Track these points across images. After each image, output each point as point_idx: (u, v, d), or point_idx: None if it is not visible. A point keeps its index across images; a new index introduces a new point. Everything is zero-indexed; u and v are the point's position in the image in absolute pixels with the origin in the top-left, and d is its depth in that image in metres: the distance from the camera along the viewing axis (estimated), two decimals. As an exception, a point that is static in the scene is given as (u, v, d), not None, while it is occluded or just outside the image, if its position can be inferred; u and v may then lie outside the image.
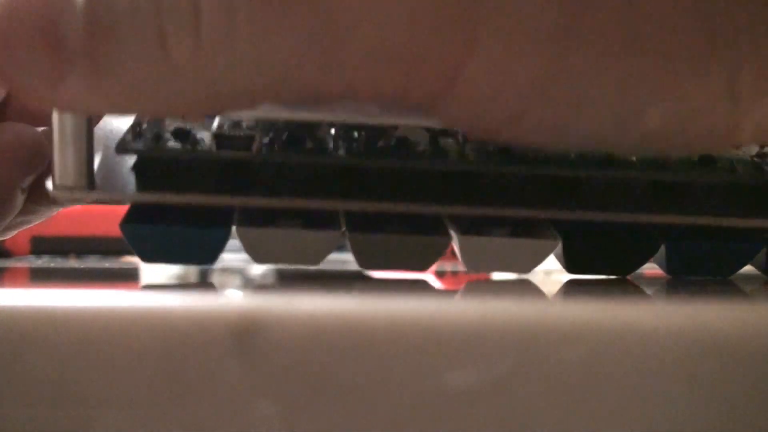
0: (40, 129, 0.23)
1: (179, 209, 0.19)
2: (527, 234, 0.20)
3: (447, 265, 0.26)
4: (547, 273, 0.22)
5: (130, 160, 0.19)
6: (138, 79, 0.14)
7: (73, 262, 0.34)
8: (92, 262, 0.33)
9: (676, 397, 0.13)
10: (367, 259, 0.20)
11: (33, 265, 0.32)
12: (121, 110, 0.15)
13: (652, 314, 0.13)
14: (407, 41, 0.13)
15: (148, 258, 0.19)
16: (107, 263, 0.31)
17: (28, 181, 0.22)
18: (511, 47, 0.13)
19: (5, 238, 0.25)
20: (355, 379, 0.12)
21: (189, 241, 0.19)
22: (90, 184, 0.17)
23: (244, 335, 0.12)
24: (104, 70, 0.14)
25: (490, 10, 0.13)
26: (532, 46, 0.14)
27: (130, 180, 0.19)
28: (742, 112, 0.15)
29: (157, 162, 0.19)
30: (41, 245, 0.39)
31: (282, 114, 0.17)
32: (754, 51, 0.14)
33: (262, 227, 0.19)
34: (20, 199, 0.22)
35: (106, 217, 0.39)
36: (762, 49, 0.14)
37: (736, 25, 0.14)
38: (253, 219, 0.19)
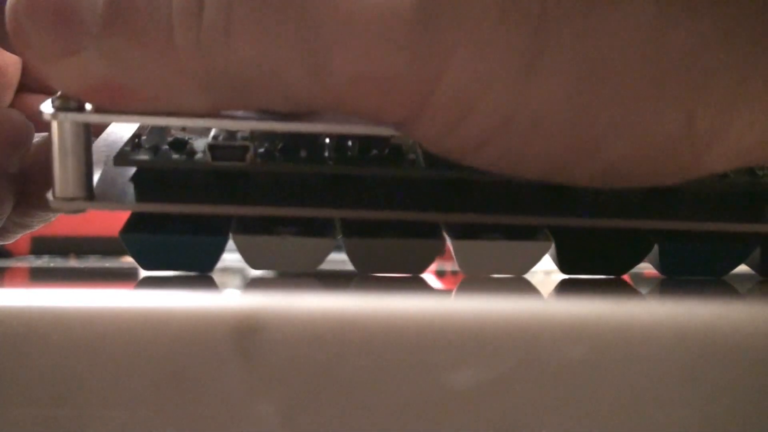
0: (40, 135, 0.23)
1: (177, 218, 0.19)
2: (521, 236, 0.20)
3: (447, 265, 0.26)
4: (547, 273, 0.22)
5: (130, 171, 0.20)
6: (143, 64, 0.15)
7: (73, 262, 0.34)
8: (92, 262, 0.33)
9: (670, 395, 0.13)
10: (364, 263, 0.20)
11: (33, 265, 0.32)
12: (122, 96, 0.16)
13: (645, 314, 0.13)
14: (383, 66, 0.14)
15: (147, 266, 0.20)
16: (107, 263, 0.32)
17: (14, 165, 0.22)
18: (477, 79, 0.14)
19: (6, 243, 0.25)
20: (355, 378, 0.12)
21: (187, 249, 0.19)
22: (89, 194, 0.18)
23: (244, 335, 0.12)
24: (115, 51, 0.15)
25: (459, 42, 0.14)
26: (497, 78, 0.14)
27: (129, 190, 0.19)
28: (703, 147, 0.15)
29: (154, 173, 0.19)
30: (41, 245, 0.39)
31: (272, 125, 0.17)
32: (710, 91, 0.15)
33: (259, 235, 0.19)
34: (8, 185, 0.22)
35: (106, 217, 0.39)
36: (719, 88, 0.15)
37: (691, 68, 0.15)
38: (249, 226, 0.19)
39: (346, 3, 0.14)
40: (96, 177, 0.19)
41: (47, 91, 0.24)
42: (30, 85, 0.25)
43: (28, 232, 0.25)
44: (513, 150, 0.15)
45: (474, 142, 0.15)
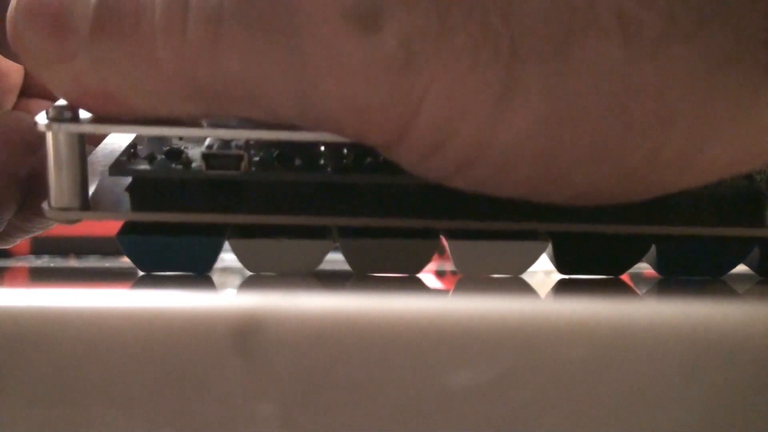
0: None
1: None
2: (517, 236, 0.20)
3: (447, 265, 0.26)
4: (547, 273, 0.22)
5: (127, 180, 0.20)
6: (130, 72, 0.16)
7: (73, 262, 0.34)
8: (92, 262, 0.33)
9: (667, 395, 0.13)
10: (360, 264, 0.20)
11: (33, 265, 0.32)
12: (113, 103, 0.16)
13: (643, 314, 0.13)
14: (366, 98, 0.15)
15: (145, 267, 0.20)
16: (107, 263, 0.32)
17: (25, 170, 0.22)
18: (452, 113, 0.15)
19: (6, 247, 0.25)
20: (356, 378, 0.13)
21: (184, 250, 0.19)
22: (84, 204, 0.18)
23: (244, 335, 0.12)
24: (103, 58, 0.16)
25: (435, 79, 0.15)
26: (470, 113, 0.15)
27: (125, 200, 0.19)
28: (671, 173, 0.16)
29: (150, 182, 0.20)
30: (41, 245, 0.39)
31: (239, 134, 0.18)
32: (676, 124, 0.15)
33: (254, 238, 0.19)
34: (17, 188, 0.22)
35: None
36: (685, 122, 0.16)
37: (657, 104, 0.15)
38: (245, 230, 0.19)
39: (333, 39, 0.15)
40: (93, 187, 0.19)
41: (49, 96, 0.24)
42: (32, 90, 0.25)
43: (28, 236, 0.25)
44: (488, 176, 0.16)
45: (451, 169, 0.16)
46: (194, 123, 0.17)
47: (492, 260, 0.20)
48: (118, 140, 0.21)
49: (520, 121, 0.15)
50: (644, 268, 0.22)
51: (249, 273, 0.20)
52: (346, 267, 0.20)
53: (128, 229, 0.20)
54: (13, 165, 0.22)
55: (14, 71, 0.24)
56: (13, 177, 0.22)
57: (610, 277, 0.21)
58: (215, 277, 0.19)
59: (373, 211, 0.19)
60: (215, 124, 0.17)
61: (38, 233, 0.25)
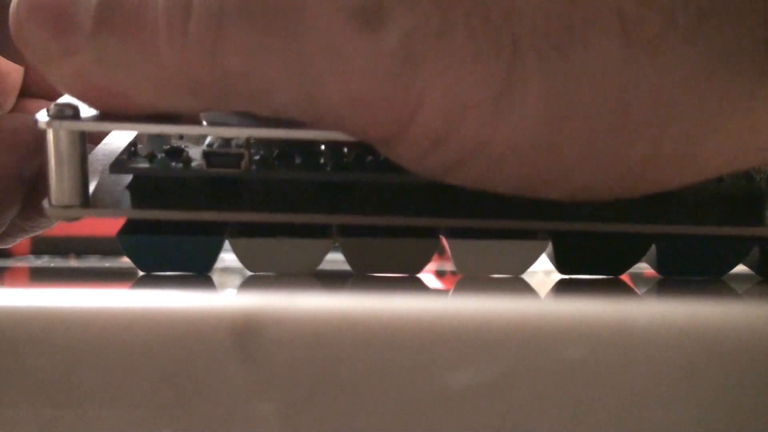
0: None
1: (174, 220, 0.19)
2: (517, 236, 0.20)
3: (447, 265, 0.26)
4: (547, 273, 0.22)
5: (127, 179, 0.20)
6: (132, 67, 0.16)
7: (73, 262, 0.34)
8: (92, 262, 0.33)
9: (667, 395, 0.13)
10: (360, 263, 0.20)
11: (33, 265, 0.32)
12: (115, 98, 0.17)
13: (643, 314, 0.13)
14: (368, 94, 0.15)
15: (145, 267, 0.20)
16: (107, 263, 0.32)
17: (29, 171, 0.22)
18: (453, 108, 0.15)
19: (7, 247, 0.25)
20: (356, 378, 0.13)
21: (184, 250, 0.19)
22: (85, 202, 0.18)
23: (244, 335, 0.12)
24: (105, 53, 0.16)
25: (437, 75, 0.15)
26: (470, 109, 0.15)
27: (126, 198, 0.19)
28: (671, 170, 0.16)
29: (150, 180, 0.20)
30: (41, 245, 0.39)
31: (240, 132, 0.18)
32: (675, 123, 0.16)
33: (254, 237, 0.19)
34: (21, 190, 0.22)
35: (105, 218, 0.39)
36: (684, 121, 0.16)
37: (656, 102, 0.15)
38: (245, 229, 0.19)
39: (335, 35, 0.15)
40: (94, 185, 0.19)
41: (49, 96, 0.24)
42: (32, 90, 0.25)
43: (29, 236, 0.25)
44: (487, 173, 0.16)
45: (450, 164, 0.16)
46: (195, 121, 0.17)
47: (492, 260, 0.20)
48: (118, 139, 0.21)
49: (520, 118, 0.15)
50: (644, 268, 0.22)
51: (249, 273, 0.20)
52: (346, 267, 0.20)
53: (128, 228, 0.20)
54: (16, 167, 0.22)
55: (14, 72, 0.24)
56: (17, 179, 0.22)
57: (610, 277, 0.21)
58: (215, 277, 0.19)
59: (373, 209, 0.19)
60: (216, 123, 0.17)
61: (39, 233, 0.25)
